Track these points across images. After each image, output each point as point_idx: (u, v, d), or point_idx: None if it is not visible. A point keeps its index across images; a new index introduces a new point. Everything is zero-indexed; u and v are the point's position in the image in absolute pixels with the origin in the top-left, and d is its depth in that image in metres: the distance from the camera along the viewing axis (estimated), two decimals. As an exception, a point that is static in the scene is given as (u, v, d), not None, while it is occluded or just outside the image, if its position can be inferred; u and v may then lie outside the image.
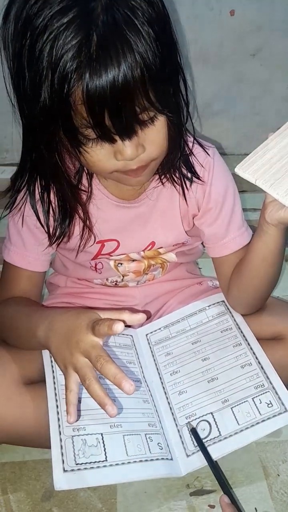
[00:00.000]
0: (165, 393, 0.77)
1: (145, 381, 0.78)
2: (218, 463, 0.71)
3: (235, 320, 0.83)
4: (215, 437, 0.71)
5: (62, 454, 0.63)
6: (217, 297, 0.87)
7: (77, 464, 0.63)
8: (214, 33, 1.46)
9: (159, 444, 0.70)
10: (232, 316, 0.83)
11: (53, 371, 0.71)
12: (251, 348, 0.78)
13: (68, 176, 0.68)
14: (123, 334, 0.84)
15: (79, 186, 0.72)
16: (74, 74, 0.53)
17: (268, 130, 0.65)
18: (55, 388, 0.69)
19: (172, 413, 0.75)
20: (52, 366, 0.71)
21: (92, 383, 0.59)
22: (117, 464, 0.65)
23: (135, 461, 0.66)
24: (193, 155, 0.74)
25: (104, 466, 0.64)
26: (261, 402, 0.72)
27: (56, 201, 0.71)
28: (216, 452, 0.70)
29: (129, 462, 0.66)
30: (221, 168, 0.78)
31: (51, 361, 0.72)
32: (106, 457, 0.65)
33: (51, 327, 0.66)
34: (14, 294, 0.79)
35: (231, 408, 0.72)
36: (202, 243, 0.89)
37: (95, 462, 0.64)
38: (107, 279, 0.86)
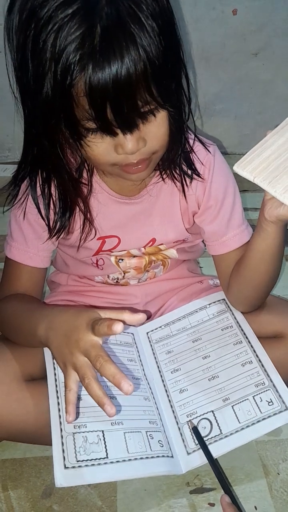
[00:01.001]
0: (166, 391, 0.77)
1: (146, 379, 0.78)
2: (218, 462, 0.71)
3: (235, 318, 0.83)
4: (216, 435, 0.71)
5: (63, 451, 0.64)
6: (218, 295, 0.87)
7: (78, 461, 0.63)
8: (216, 33, 1.46)
9: (159, 442, 0.70)
10: (233, 314, 0.83)
11: (54, 368, 0.71)
12: (251, 346, 0.78)
13: (70, 169, 0.68)
14: (124, 332, 0.84)
15: (80, 180, 0.72)
16: (76, 65, 0.53)
17: (270, 130, 0.65)
18: (56, 385, 0.69)
19: (173, 411, 0.75)
20: (54, 363, 0.71)
21: (91, 382, 0.59)
22: (117, 461, 0.65)
23: (135, 459, 0.66)
24: (194, 152, 0.74)
25: (105, 463, 0.65)
26: (261, 400, 0.72)
27: (56, 194, 0.71)
28: (217, 451, 0.70)
29: (129, 460, 0.66)
30: (222, 166, 0.78)
31: (52, 358, 0.72)
32: (107, 454, 0.65)
33: (51, 325, 0.66)
34: (15, 290, 0.79)
35: (232, 406, 0.73)
36: (203, 241, 0.89)
37: (96, 459, 0.64)
38: (108, 276, 0.86)
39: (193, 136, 0.74)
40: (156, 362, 0.82)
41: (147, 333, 0.86)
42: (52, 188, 0.70)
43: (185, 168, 0.74)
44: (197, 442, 0.70)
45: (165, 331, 0.85)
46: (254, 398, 0.72)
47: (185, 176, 0.75)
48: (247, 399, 0.73)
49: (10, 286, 0.79)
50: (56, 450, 0.64)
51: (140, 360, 0.81)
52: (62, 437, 0.65)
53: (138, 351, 0.82)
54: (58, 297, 0.88)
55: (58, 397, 0.68)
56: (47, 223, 0.73)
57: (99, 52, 0.52)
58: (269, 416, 0.70)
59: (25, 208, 0.74)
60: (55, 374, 0.71)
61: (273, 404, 0.71)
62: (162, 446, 0.70)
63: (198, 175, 0.75)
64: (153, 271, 0.87)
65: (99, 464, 0.64)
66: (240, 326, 0.81)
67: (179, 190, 0.77)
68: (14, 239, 0.78)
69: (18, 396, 0.70)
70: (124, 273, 0.85)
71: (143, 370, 0.80)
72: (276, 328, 0.80)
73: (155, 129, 0.61)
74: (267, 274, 0.76)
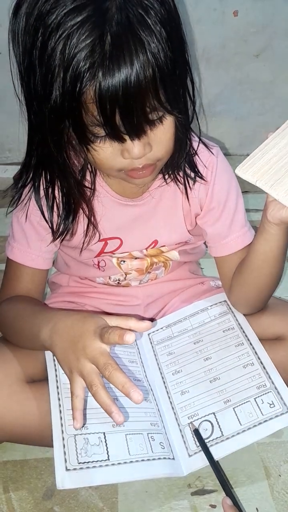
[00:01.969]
0: (167, 392, 0.77)
1: (147, 381, 0.78)
2: (220, 464, 0.71)
3: (237, 320, 0.83)
4: (217, 437, 0.71)
5: (65, 453, 0.63)
6: (219, 296, 0.87)
7: (79, 463, 0.63)
8: (217, 34, 1.46)
9: (161, 444, 0.70)
10: (234, 316, 0.83)
11: (55, 370, 0.71)
12: (253, 348, 0.78)
13: (74, 172, 0.68)
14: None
15: (83, 182, 0.72)
16: (86, 73, 0.53)
17: (271, 131, 0.65)
18: (57, 387, 0.69)
19: (174, 413, 0.75)
20: (55, 365, 0.71)
21: (99, 389, 0.58)
22: (119, 463, 0.65)
23: (137, 460, 0.66)
24: (197, 154, 0.74)
25: (106, 465, 0.64)
26: (263, 402, 0.72)
27: (60, 197, 0.71)
28: (218, 452, 0.70)
29: (131, 461, 0.66)
30: (225, 168, 0.78)
31: (54, 360, 0.72)
32: (108, 456, 0.65)
33: (56, 330, 0.65)
34: (16, 292, 0.79)
35: (233, 408, 0.72)
36: (204, 243, 0.89)
37: (97, 461, 0.64)
38: (109, 278, 0.86)
39: (197, 138, 0.74)
40: (158, 364, 0.82)
41: (149, 334, 0.86)
42: (56, 191, 0.70)
43: (188, 170, 0.74)
44: (198, 444, 0.70)
45: (167, 333, 0.85)
46: (255, 400, 0.72)
47: (188, 179, 0.75)
48: (249, 401, 0.72)
49: (11, 288, 0.79)
50: (58, 452, 0.64)
51: (142, 362, 0.81)
52: (63, 439, 0.65)
53: (139, 353, 0.82)
54: (59, 298, 0.88)
55: (59, 399, 0.68)
56: (50, 226, 0.73)
57: (109, 59, 0.52)
58: (270, 418, 0.70)
59: (28, 211, 0.73)
60: (56, 376, 0.71)
61: (274, 406, 0.71)
62: (164, 448, 0.69)
63: (201, 177, 0.75)
64: (154, 273, 0.87)
65: (100, 466, 0.64)
66: (241, 328, 0.81)
67: (181, 192, 0.77)
68: (16, 240, 0.78)
69: (20, 397, 0.70)
70: (126, 275, 0.85)
71: (144, 371, 0.80)
72: (278, 330, 0.80)
73: (162, 135, 0.61)
74: (269, 276, 0.76)
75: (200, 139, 0.75)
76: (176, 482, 0.75)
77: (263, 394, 0.72)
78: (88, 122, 0.57)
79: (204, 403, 0.74)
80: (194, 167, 0.74)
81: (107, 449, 0.66)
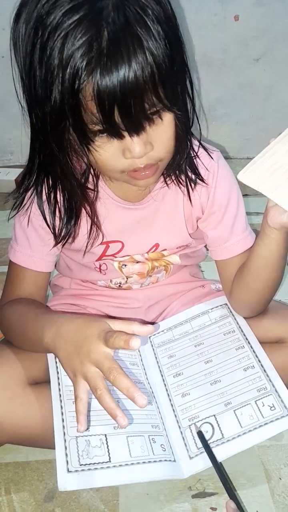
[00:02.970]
0: (168, 395, 0.78)
1: (148, 383, 0.79)
2: (223, 465, 0.71)
3: (237, 323, 0.83)
4: (217, 440, 0.71)
5: (66, 455, 0.64)
6: (220, 300, 0.87)
7: (81, 464, 0.64)
8: (218, 38, 1.47)
9: (162, 446, 0.70)
10: (235, 319, 0.84)
11: (57, 372, 0.71)
12: (253, 351, 0.78)
13: (76, 174, 0.68)
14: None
15: (86, 186, 0.72)
16: (84, 70, 0.53)
17: (271, 135, 0.65)
18: (59, 389, 0.70)
19: (175, 415, 0.75)
20: (57, 367, 0.72)
21: (103, 393, 0.59)
22: (120, 465, 0.65)
23: (138, 463, 0.66)
24: (198, 158, 0.75)
25: (108, 467, 0.65)
26: (263, 405, 0.72)
27: (62, 201, 0.71)
28: (218, 455, 0.70)
29: (132, 463, 0.66)
30: (226, 171, 0.78)
31: (56, 362, 0.72)
32: (109, 458, 0.65)
33: (59, 333, 0.65)
34: (19, 295, 0.79)
35: (234, 410, 0.73)
36: (205, 246, 0.89)
37: (99, 463, 0.65)
38: (111, 281, 0.86)
39: (197, 142, 0.75)
40: (159, 366, 0.82)
41: (150, 337, 0.86)
42: (58, 195, 0.71)
43: (189, 173, 0.74)
44: (199, 446, 0.70)
45: (168, 335, 0.86)
46: (256, 403, 0.72)
47: (190, 182, 0.75)
48: (249, 403, 0.73)
49: (14, 290, 0.80)
50: (59, 454, 0.64)
51: (143, 364, 0.81)
52: (65, 441, 0.65)
53: (140, 355, 0.83)
54: (61, 301, 0.89)
55: (61, 401, 0.68)
56: (52, 230, 0.73)
57: (107, 56, 0.53)
58: (271, 421, 0.70)
59: (30, 215, 0.74)
60: (58, 378, 0.71)
61: (275, 409, 0.71)
62: (165, 450, 0.70)
63: (203, 180, 0.76)
64: (155, 276, 0.88)
65: (101, 468, 0.64)
66: (242, 331, 0.81)
67: (183, 195, 0.77)
68: (19, 243, 0.78)
69: (23, 400, 0.70)
70: (127, 278, 0.85)
71: (145, 374, 0.80)
72: (278, 333, 0.80)
73: (162, 133, 0.61)
74: (269, 280, 0.76)
75: (200, 143, 0.75)
76: (177, 485, 0.76)
77: (264, 397, 0.73)
78: (88, 120, 0.57)
79: (205, 405, 0.75)
80: (195, 170, 0.75)
81: (108, 451, 0.66)
